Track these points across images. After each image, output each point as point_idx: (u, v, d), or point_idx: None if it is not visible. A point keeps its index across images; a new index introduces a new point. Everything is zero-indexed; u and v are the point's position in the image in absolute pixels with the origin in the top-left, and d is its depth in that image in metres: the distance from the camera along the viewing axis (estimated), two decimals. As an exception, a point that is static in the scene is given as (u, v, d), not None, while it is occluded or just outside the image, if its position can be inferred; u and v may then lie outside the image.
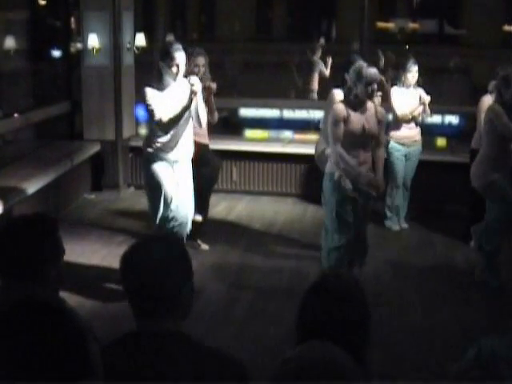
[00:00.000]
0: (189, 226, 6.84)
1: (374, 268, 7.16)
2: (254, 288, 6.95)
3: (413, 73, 8.37)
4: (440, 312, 6.47)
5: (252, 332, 6.00)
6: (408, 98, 8.40)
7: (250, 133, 11.79)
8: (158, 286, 2.42)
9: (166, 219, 6.64)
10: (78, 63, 10.50)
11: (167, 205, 6.60)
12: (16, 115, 9.59)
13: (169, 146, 6.59)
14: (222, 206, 9.61)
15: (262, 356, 5.36)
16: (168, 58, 6.41)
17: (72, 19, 11.68)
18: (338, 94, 7.39)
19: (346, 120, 6.22)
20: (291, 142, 10.86)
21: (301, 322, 2.54)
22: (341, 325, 2.48)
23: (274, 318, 6.22)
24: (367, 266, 6.79)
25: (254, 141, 11.14)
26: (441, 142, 11.33)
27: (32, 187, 7.96)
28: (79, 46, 10.97)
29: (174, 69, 6.41)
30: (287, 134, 11.50)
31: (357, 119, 6.25)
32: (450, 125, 11.19)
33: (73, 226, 8.40)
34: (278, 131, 11.71)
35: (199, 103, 6.56)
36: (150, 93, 6.47)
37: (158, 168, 6.60)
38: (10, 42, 12.65)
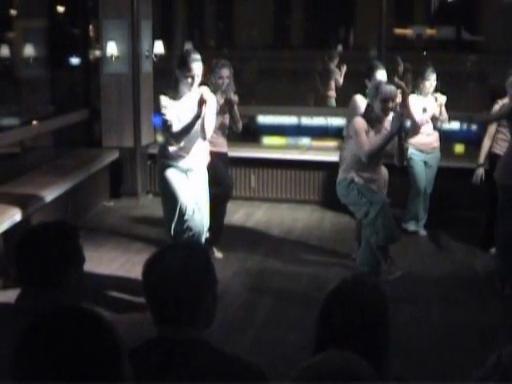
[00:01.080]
0: (204, 236, 6.82)
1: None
2: (272, 294, 6.95)
3: (431, 81, 8.34)
4: (459, 319, 6.44)
5: (271, 338, 6.00)
6: (426, 105, 8.39)
7: (268, 140, 11.81)
8: (181, 294, 2.43)
9: (181, 229, 6.61)
10: (97, 71, 10.55)
11: (182, 214, 6.56)
12: (35, 122, 9.64)
13: (182, 155, 6.57)
14: (240, 213, 9.62)
15: (280, 363, 5.34)
16: (185, 67, 6.38)
17: (91, 27, 11.75)
18: (360, 99, 7.41)
19: (366, 134, 6.26)
20: (309, 148, 10.87)
21: (320, 329, 2.53)
22: (360, 332, 2.46)
23: (292, 324, 6.21)
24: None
25: (272, 148, 11.16)
26: (459, 148, 11.31)
27: (51, 195, 7.99)
28: (98, 53, 11.03)
29: (190, 79, 6.37)
30: (305, 140, 11.52)
31: (374, 137, 6.28)
32: (468, 131, 11.18)
33: (91, 233, 8.43)
34: (296, 138, 11.73)
35: (206, 115, 6.48)
36: (164, 102, 6.46)
37: (172, 177, 6.57)
38: (29, 50, 12.73)
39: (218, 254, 7.81)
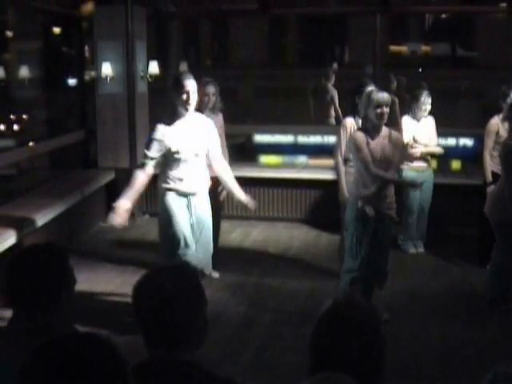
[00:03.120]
0: (202, 263, 6.55)
1: (391, 292, 7.12)
2: (270, 313, 6.92)
3: (426, 106, 8.30)
4: (456, 336, 6.42)
5: (268, 358, 5.96)
6: (419, 130, 8.34)
7: (264, 158, 11.80)
8: (170, 316, 2.42)
9: (174, 256, 6.41)
10: (92, 92, 10.56)
11: (176, 244, 6.37)
12: (31, 144, 9.64)
13: (181, 178, 6.41)
14: (237, 232, 9.61)
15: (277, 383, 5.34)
16: (178, 86, 6.30)
17: (86, 48, 11.77)
18: (350, 121, 7.40)
19: (367, 146, 6.25)
20: (305, 167, 10.88)
21: (314, 350, 2.51)
22: (355, 353, 2.44)
23: (289, 343, 6.18)
24: (384, 289, 6.76)
25: (269, 166, 11.16)
26: (456, 164, 11.31)
27: (46, 217, 7.97)
28: (93, 74, 11.05)
29: (184, 96, 6.23)
30: (302, 159, 11.51)
31: (375, 147, 6.26)
32: (464, 147, 11.18)
33: (87, 254, 8.41)
34: (293, 157, 11.72)
35: (213, 141, 6.52)
36: (161, 130, 6.38)
37: (172, 204, 6.39)
38: (24, 71, 12.77)
39: (215, 274, 7.76)
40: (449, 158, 10.85)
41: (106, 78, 10.14)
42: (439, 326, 6.65)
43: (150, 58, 10.89)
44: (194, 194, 6.44)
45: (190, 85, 6.28)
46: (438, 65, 25.45)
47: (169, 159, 6.40)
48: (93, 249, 8.88)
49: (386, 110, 6.23)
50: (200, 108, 7.03)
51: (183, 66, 15.06)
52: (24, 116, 12.90)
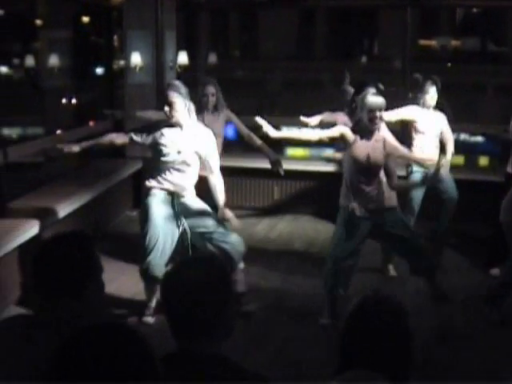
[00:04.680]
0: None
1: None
2: (293, 309, 6.91)
3: (431, 94, 8.11)
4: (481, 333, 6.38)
5: (290, 355, 5.95)
6: (428, 120, 8.13)
7: (291, 151, 11.78)
8: (198, 307, 2.42)
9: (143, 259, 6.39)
10: (121, 81, 10.58)
11: (148, 248, 6.30)
12: (59, 132, 9.68)
13: (166, 180, 6.34)
14: (263, 225, 9.60)
15: (300, 380, 5.33)
16: (163, 96, 6.31)
17: (115, 37, 11.81)
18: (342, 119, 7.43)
19: (352, 145, 6.24)
20: (332, 160, 10.84)
21: (342, 347, 2.51)
22: (382, 351, 2.44)
23: (312, 341, 6.17)
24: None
25: (295, 159, 11.14)
26: (483, 161, 11.24)
27: (72, 205, 8.02)
28: (122, 63, 11.08)
29: (166, 107, 6.17)
30: (328, 152, 11.47)
31: (362, 146, 6.26)
32: (492, 144, 11.10)
33: (114, 242, 8.44)
34: (319, 149, 11.68)
35: (211, 153, 6.37)
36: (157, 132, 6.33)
37: (153, 206, 6.28)
38: (53, 60, 12.83)
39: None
40: (476, 155, 10.79)
41: (135, 67, 10.17)
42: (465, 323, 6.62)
43: (179, 48, 10.89)
44: (179, 196, 6.35)
45: (171, 96, 6.16)
46: (467, 60, 25.24)
47: (156, 161, 6.36)
48: (119, 237, 8.91)
49: (380, 114, 6.21)
50: (199, 109, 6.99)
51: (212, 57, 15.07)
52: (53, 104, 12.97)
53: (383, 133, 6.50)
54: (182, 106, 6.19)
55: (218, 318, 2.46)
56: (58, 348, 1.73)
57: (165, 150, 6.26)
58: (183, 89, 6.23)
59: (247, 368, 2.48)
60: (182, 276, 2.48)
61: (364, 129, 6.24)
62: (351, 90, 7.51)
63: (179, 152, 6.24)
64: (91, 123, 12.10)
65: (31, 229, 6.99)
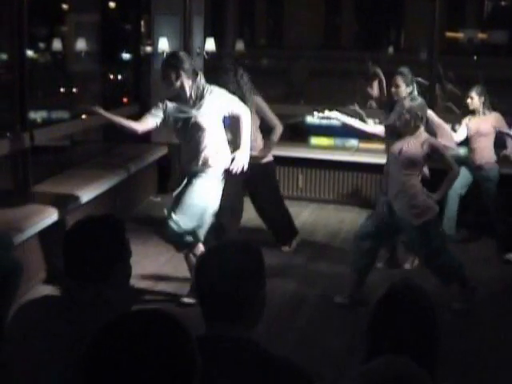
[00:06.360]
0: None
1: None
2: (317, 296, 6.92)
3: (475, 98, 8.11)
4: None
5: (314, 340, 5.97)
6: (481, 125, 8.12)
7: (316, 140, 11.76)
8: (231, 291, 2.42)
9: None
10: (147, 66, 10.59)
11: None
12: (84, 116, 9.70)
13: (184, 159, 6.58)
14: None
15: (324, 365, 5.33)
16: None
17: (142, 22, 11.82)
18: None
19: None
20: (357, 150, 10.81)
21: (370, 333, 2.51)
22: (410, 338, 2.44)
23: (336, 327, 6.18)
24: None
25: (320, 148, 11.12)
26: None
27: (97, 190, 8.04)
28: (149, 49, 11.08)
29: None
30: (352, 142, 11.43)
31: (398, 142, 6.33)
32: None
33: (138, 227, 8.46)
34: (344, 139, 11.64)
35: (245, 126, 6.43)
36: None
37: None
38: (81, 44, 12.87)
39: (285, 248, 8.07)
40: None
41: (163, 52, 10.15)
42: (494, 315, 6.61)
43: (206, 34, 10.88)
44: (190, 173, 6.47)
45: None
46: (494, 53, 25.03)
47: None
48: (143, 222, 8.93)
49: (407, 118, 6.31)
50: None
51: (239, 44, 15.03)
52: (79, 88, 13.01)
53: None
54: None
55: (251, 303, 2.47)
56: (99, 331, 1.72)
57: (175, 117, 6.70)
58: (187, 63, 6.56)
59: (276, 354, 2.49)
60: (218, 259, 2.49)
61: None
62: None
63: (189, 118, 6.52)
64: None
65: (55, 213, 7.00)
